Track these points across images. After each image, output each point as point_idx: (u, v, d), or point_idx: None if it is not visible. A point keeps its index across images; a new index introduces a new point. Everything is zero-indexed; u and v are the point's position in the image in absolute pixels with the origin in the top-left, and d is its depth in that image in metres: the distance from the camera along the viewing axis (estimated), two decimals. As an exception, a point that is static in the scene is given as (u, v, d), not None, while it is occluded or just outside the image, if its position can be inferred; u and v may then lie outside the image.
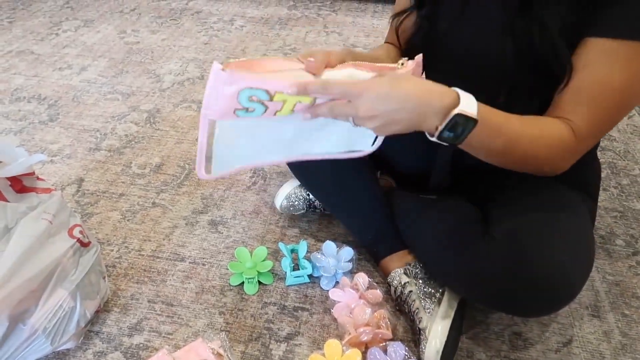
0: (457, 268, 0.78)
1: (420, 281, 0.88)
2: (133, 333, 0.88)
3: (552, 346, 0.88)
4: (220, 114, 0.65)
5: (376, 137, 0.81)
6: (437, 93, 0.62)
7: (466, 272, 0.76)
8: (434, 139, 0.65)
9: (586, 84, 0.66)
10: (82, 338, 0.86)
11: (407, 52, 0.87)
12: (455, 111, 0.61)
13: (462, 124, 0.62)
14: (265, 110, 0.67)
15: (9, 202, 0.82)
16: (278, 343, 0.87)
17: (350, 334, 0.82)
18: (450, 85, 0.64)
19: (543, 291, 0.70)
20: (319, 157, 0.81)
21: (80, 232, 0.86)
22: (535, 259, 0.69)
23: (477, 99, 0.63)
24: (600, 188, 1.10)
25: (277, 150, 0.79)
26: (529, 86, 0.74)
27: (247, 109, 0.66)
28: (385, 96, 0.62)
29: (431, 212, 0.88)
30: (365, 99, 0.62)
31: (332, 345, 0.80)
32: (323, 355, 0.79)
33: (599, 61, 0.65)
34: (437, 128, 0.63)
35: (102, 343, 0.86)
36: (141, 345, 0.86)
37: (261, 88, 0.63)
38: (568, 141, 0.68)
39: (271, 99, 0.64)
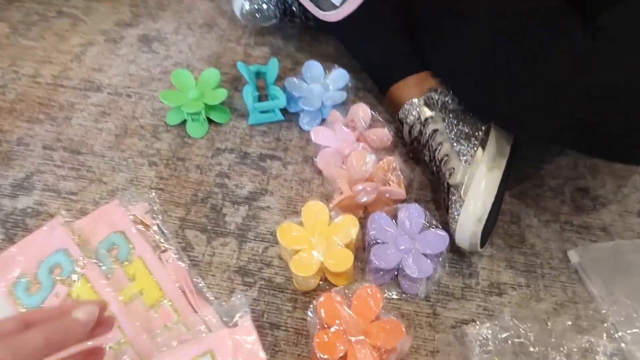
0: (524, 87, 0.46)
1: (451, 115, 0.57)
2: (17, 193, 0.59)
3: (632, 207, 0.61)
4: None
5: None
6: None
7: (543, 92, 0.45)
8: None
9: None
10: None
11: None
12: None
13: None
14: None
15: None
16: (235, 206, 0.59)
17: (342, 192, 0.54)
18: None
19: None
20: None
21: None
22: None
23: None
24: None
25: None
26: None
27: None
28: None
29: (473, 4, 0.53)
30: None
31: (314, 208, 0.52)
32: (300, 224, 0.51)
33: None
34: None
35: (-30, 207, 0.58)
36: (29, 210, 0.58)
37: None
38: None
39: None
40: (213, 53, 0.76)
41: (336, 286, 0.51)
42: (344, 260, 0.49)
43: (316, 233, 0.50)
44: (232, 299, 0.48)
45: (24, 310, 0.48)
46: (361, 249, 0.53)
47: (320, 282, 0.53)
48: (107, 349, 0.46)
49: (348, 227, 0.51)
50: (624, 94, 0.41)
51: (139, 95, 0.70)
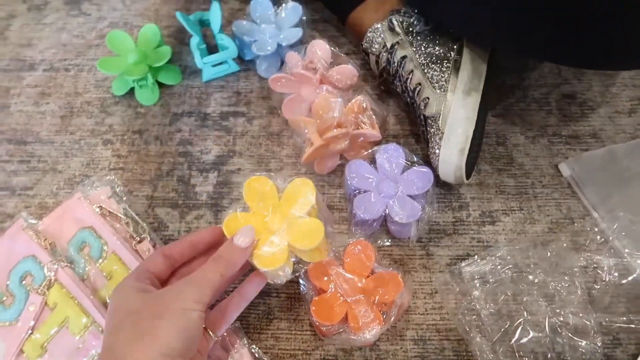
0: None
1: (419, 38, 0.51)
2: (-32, 198, 0.55)
3: (623, 107, 0.57)
4: None
5: None
6: None
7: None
8: None
9: None
10: None
11: None
12: None
13: None
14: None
15: None
16: (204, 174, 0.55)
17: (312, 143, 0.50)
18: None
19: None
20: None
21: None
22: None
23: None
24: None
25: None
26: None
27: None
28: None
29: None
30: None
31: (255, 185, 0.42)
32: (246, 210, 0.42)
33: None
34: None
35: None
36: (-17, 215, 0.54)
37: None
38: None
39: None
40: (149, 6, 0.68)
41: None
42: (313, 233, 0.39)
43: (268, 213, 0.41)
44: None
45: (-1, 326, 0.45)
46: (327, 210, 0.47)
47: (296, 266, 0.42)
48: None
49: (302, 192, 0.41)
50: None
51: (78, 67, 0.63)
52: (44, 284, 0.46)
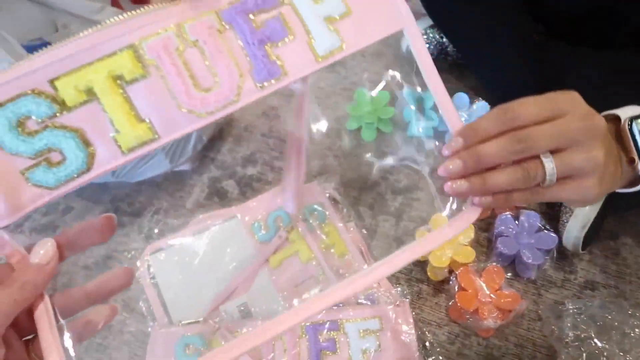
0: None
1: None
2: (246, 164, 0.86)
3: None
4: None
5: None
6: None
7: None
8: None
9: None
10: (198, 162, 0.85)
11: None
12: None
13: None
14: None
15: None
16: (394, 195, 0.81)
17: (478, 195, 0.74)
18: None
19: None
20: None
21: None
22: None
23: None
24: None
25: None
26: None
27: None
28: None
29: (588, 63, 0.71)
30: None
31: (439, 220, 0.71)
32: (429, 230, 0.71)
33: None
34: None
35: (217, 169, 0.86)
36: (254, 176, 0.84)
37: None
38: None
39: None
40: (380, 75, 0.98)
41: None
42: (469, 254, 0.68)
43: None
44: (397, 289, 0.69)
45: (258, 241, 0.74)
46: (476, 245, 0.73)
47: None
48: (309, 278, 0.71)
49: (466, 230, 0.69)
50: None
51: (325, 105, 0.95)
52: (289, 226, 0.75)
